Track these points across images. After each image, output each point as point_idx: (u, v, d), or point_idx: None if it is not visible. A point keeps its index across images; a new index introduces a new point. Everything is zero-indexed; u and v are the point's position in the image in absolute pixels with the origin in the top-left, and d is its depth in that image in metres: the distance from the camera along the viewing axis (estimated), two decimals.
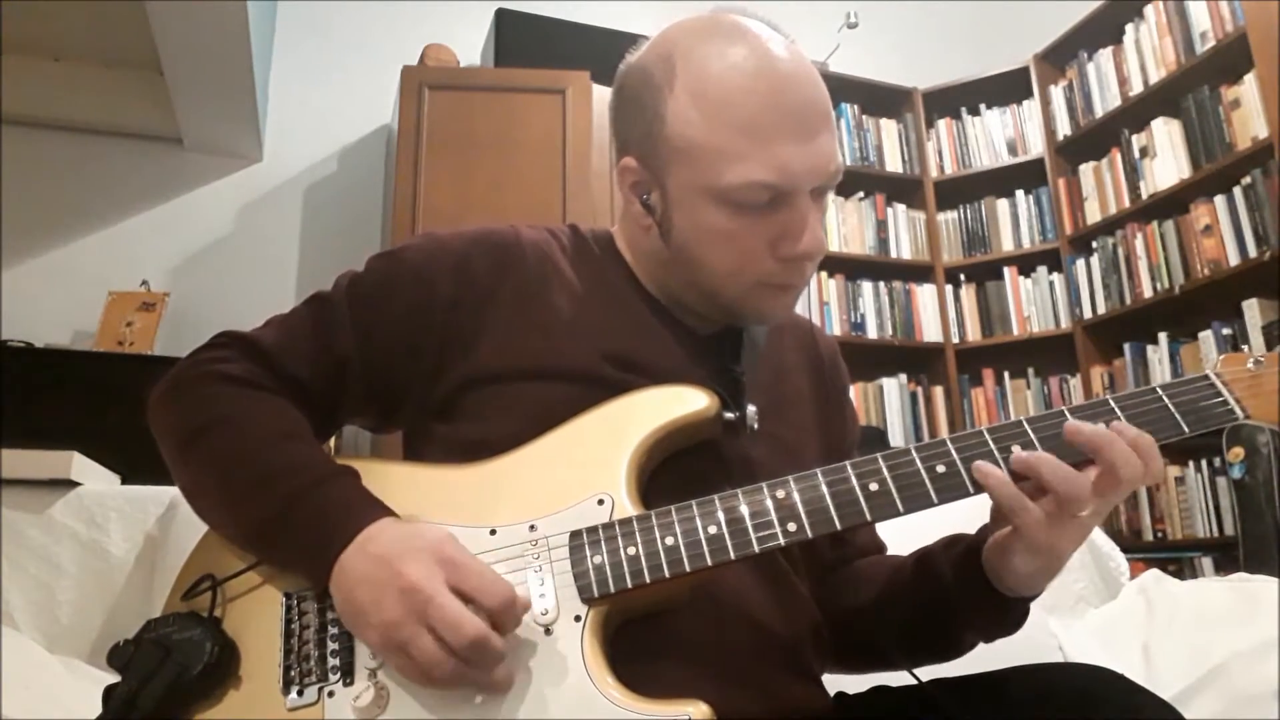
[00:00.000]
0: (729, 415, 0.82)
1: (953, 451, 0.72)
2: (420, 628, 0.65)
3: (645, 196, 0.85)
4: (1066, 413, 0.72)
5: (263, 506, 0.74)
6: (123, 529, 1.29)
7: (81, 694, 1.02)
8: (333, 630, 0.71)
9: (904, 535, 0.92)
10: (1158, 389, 0.74)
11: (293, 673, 0.70)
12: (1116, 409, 0.73)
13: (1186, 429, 0.72)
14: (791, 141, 0.77)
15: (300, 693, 0.69)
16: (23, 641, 1.15)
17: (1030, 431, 0.72)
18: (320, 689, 0.69)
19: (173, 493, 1.30)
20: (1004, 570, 0.75)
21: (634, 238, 0.91)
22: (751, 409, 0.84)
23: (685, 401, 0.79)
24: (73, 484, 1.30)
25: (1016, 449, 0.71)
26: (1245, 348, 2.87)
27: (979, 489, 0.71)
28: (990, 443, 0.72)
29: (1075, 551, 0.74)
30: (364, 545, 0.70)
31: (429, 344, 0.84)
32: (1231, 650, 1.25)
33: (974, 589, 0.78)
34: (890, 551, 0.98)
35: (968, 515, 0.80)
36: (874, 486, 0.72)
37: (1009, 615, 0.79)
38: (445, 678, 0.65)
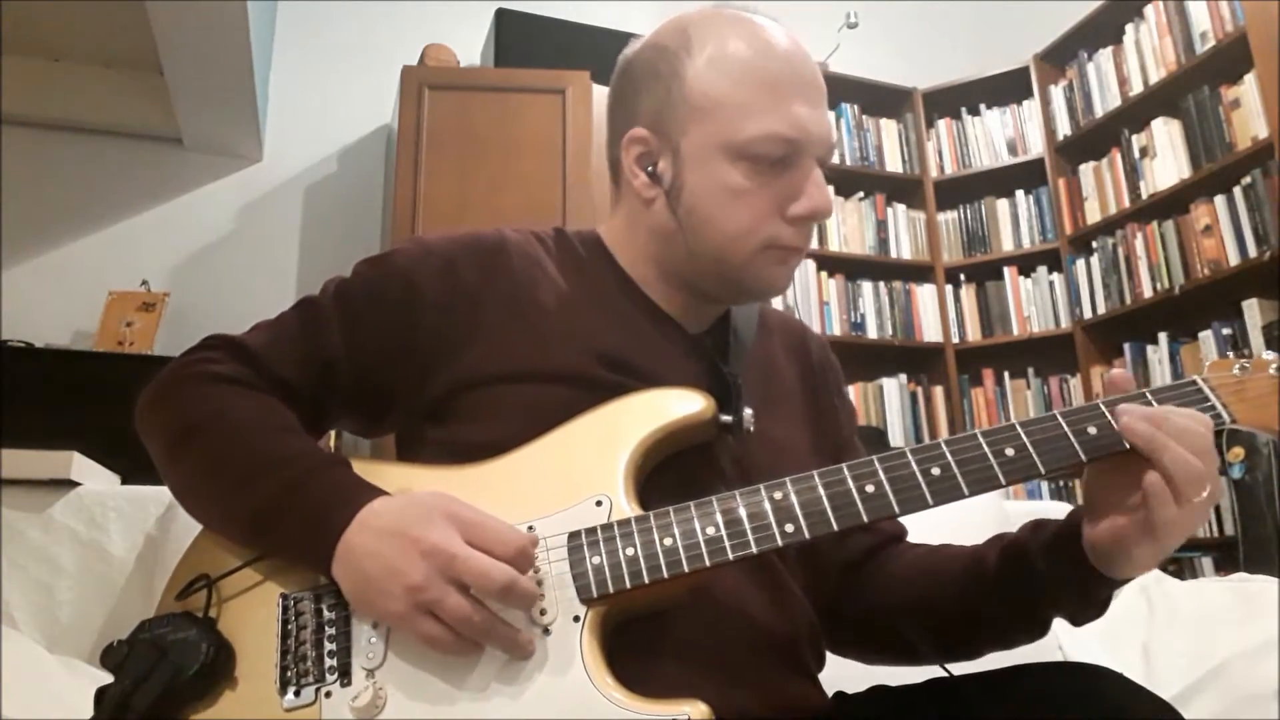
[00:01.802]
0: (725, 418, 0.82)
1: (947, 454, 0.73)
2: (448, 586, 0.66)
3: (651, 168, 0.87)
4: (1058, 415, 0.73)
5: (258, 496, 0.74)
6: (123, 529, 1.29)
7: (81, 694, 1.01)
8: (329, 631, 0.71)
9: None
10: (1146, 393, 0.75)
11: (289, 673, 0.70)
12: (1107, 413, 0.73)
13: None
14: (805, 104, 0.83)
15: (297, 693, 0.69)
16: (23, 641, 1.15)
17: (1022, 434, 0.73)
18: (317, 689, 0.69)
19: None
20: (1123, 559, 0.73)
21: (632, 219, 0.91)
22: (748, 412, 0.84)
23: (683, 404, 0.80)
24: (73, 484, 1.30)
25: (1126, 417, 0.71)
26: (1243, 355, 2.86)
27: (974, 491, 0.72)
28: (984, 445, 0.73)
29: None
30: (367, 522, 0.70)
31: (416, 347, 0.85)
32: (1231, 650, 1.25)
33: (1070, 574, 0.77)
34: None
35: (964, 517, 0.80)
36: (870, 488, 0.72)
37: (1104, 597, 0.79)
38: (477, 631, 0.66)
